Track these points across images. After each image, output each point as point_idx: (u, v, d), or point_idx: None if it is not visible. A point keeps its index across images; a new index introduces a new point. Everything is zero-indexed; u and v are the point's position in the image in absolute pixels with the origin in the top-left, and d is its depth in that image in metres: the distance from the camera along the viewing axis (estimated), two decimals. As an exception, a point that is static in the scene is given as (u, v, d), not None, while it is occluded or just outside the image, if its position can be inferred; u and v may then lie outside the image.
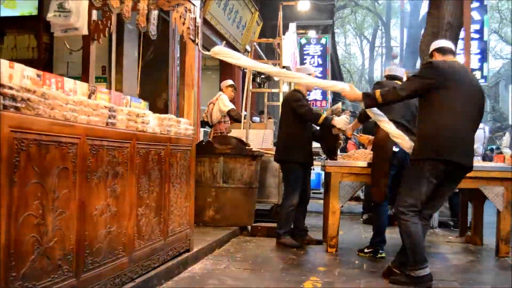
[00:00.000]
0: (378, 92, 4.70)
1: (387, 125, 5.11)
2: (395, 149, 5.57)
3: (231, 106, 8.57)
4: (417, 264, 4.44)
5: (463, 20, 7.77)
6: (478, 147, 8.61)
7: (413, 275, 4.44)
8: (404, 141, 5.01)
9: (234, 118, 8.62)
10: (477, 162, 7.15)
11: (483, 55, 16.72)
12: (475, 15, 16.23)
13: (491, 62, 33.74)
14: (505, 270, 5.40)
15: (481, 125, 8.79)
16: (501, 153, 8.66)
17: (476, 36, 16.37)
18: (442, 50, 4.72)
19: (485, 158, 10.54)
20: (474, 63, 16.16)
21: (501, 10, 33.98)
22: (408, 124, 5.62)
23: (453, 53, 4.78)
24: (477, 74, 16.37)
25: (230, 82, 9.06)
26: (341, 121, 5.94)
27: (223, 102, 8.54)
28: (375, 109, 5.04)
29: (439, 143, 4.38)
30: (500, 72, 37.77)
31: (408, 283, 4.46)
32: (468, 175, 5.88)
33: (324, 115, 6.14)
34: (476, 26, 16.22)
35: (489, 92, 37.51)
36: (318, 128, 6.49)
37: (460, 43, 9.11)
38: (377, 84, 6.08)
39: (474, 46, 16.23)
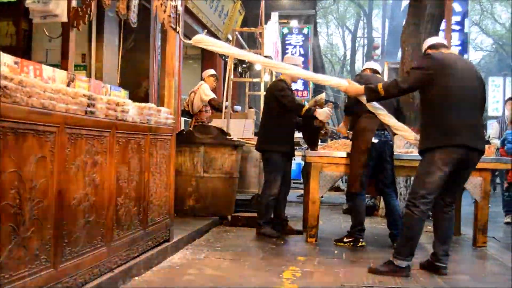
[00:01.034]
0: (380, 86, 4.77)
1: (388, 119, 5.18)
2: (374, 140, 5.62)
3: (212, 95, 8.55)
4: (403, 255, 4.51)
5: (445, 12, 7.81)
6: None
7: (394, 262, 4.52)
8: (407, 133, 5.07)
9: (215, 107, 8.60)
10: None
11: (464, 47, 16.84)
12: (457, 7, 16.34)
13: (472, 54, 34.06)
14: (483, 260, 5.47)
15: None
16: (488, 143, 8.70)
17: (457, 27, 16.48)
18: (434, 47, 4.77)
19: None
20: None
21: (482, 2, 34.22)
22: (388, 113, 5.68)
23: (446, 46, 4.83)
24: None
25: (211, 71, 9.02)
26: (323, 113, 5.94)
27: (204, 91, 8.51)
28: (375, 103, 5.07)
29: (446, 130, 4.41)
30: (480, 64, 38.11)
31: (387, 271, 4.52)
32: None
33: (306, 106, 6.13)
34: (457, 18, 16.34)
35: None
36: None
37: (441, 35, 9.15)
38: (357, 76, 6.14)
39: (455, 37, 16.34)
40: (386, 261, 4.62)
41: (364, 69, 6.31)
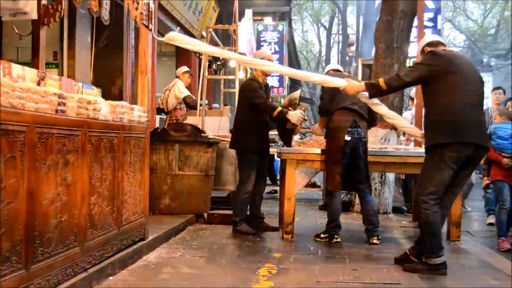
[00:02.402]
0: (381, 80, 4.78)
1: (380, 107, 5.26)
2: (347, 138, 5.67)
3: (186, 92, 8.51)
4: (434, 252, 4.51)
5: (417, 8, 7.86)
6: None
7: (429, 263, 4.52)
8: (399, 121, 5.12)
9: (189, 105, 8.57)
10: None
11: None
12: (429, 4, 16.44)
13: (445, 50, 34.34)
14: (456, 254, 5.53)
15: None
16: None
17: (430, 24, 16.59)
18: (432, 44, 4.77)
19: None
20: (428, 51, 16.39)
21: (455, -1, 34.64)
22: (362, 110, 5.75)
23: (444, 44, 4.82)
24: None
25: (185, 68, 9.00)
26: (295, 116, 5.94)
27: (179, 89, 8.48)
28: (366, 94, 5.06)
29: (455, 127, 4.42)
30: (453, 60, 38.49)
31: (424, 270, 4.52)
32: (420, 161, 6.00)
33: (279, 108, 6.07)
34: (430, 15, 16.43)
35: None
36: None
37: (414, 31, 9.21)
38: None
39: (428, 34, 16.45)
40: (421, 261, 4.61)
41: (327, 71, 6.35)
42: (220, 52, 5.68)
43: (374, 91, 4.91)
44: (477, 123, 4.53)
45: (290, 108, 6.15)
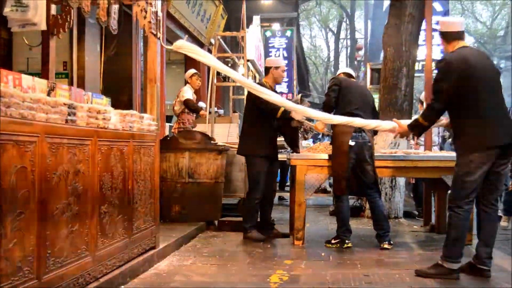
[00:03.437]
0: (420, 119, 4.76)
1: (364, 123, 5.42)
2: (351, 143, 5.69)
3: (188, 96, 8.51)
4: (453, 257, 4.47)
5: (425, 12, 7.85)
6: (434, 138, 8.75)
7: (445, 266, 4.48)
8: (385, 125, 5.30)
9: (190, 108, 8.52)
10: (437, 152, 7.27)
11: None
12: (437, 7, 16.42)
13: (454, 53, 34.22)
14: (468, 258, 5.48)
15: None
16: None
17: (439, 27, 16.56)
18: (450, 37, 4.67)
19: (442, 148, 10.74)
20: (437, 53, 16.35)
21: (463, 1, 34.50)
22: (366, 116, 5.78)
23: (462, 37, 4.69)
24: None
25: (193, 71, 8.99)
26: (300, 113, 5.96)
27: (183, 93, 8.52)
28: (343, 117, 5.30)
29: (483, 130, 4.38)
30: (462, 63, 38.35)
31: (436, 274, 4.49)
32: (430, 165, 6.00)
33: (282, 108, 6.11)
34: (438, 17, 16.38)
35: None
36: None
37: (422, 34, 9.19)
38: (334, 79, 6.19)
39: (437, 37, 16.38)
40: (434, 264, 4.57)
41: (339, 74, 6.38)
42: (224, 69, 5.60)
43: (419, 130, 4.93)
44: (501, 121, 4.47)
45: None
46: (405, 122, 5.10)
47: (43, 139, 3.02)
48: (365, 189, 5.93)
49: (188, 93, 8.56)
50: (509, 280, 4.49)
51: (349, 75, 6.28)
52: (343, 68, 6.68)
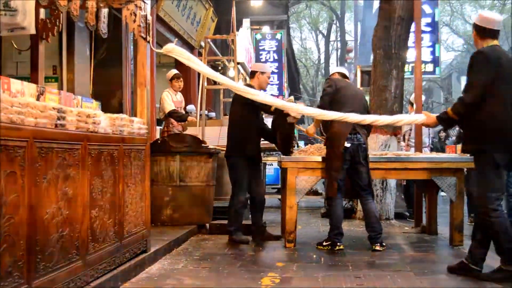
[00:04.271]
0: (450, 112, 4.62)
1: (359, 119, 5.32)
2: (346, 144, 5.71)
3: (171, 107, 8.20)
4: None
5: (414, 14, 7.88)
6: (424, 139, 8.80)
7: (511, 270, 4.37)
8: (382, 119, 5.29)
9: (177, 119, 8.34)
10: (428, 153, 7.30)
11: (435, 48, 17.02)
12: (427, 9, 16.51)
13: (444, 55, 34.45)
14: (459, 259, 5.49)
15: None
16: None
17: (428, 29, 16.65)
18: (486, 33, 4.57)
19: (433, 149, 10.85)
20: (427, 55, 16.45)
21: (452, 3, 34.67)
22: None
23: (496, 36, 4.60)
24: (430, 66, 16.71)
25: (172, 72, 8.60)
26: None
27: (164, 103, 8.23)
28: (337, 113, 5.22)
29: (504, 130, 4.36)
30: (452, 64, 38.65)
31: (503, 278, 4.39)
32: (422, 166, 6.03)
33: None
34: (427, 20, 16.50)
35: (442, 84, 38.35)
36: (271, 125, 6.47)
37: (412, 36, 9.23)
38: (328, 79, 6.19)
39: (427, 39, 16.52)
40: (497, 269, 4.47)
41: (333, 73, 6.38)
42: (213, 74, 5.57)
43: (448, 122, 4.83)
44: None
45: None
46: (433, 116, 5.00)
47: (32, 143, 3.01)
48: (359, 191, 5.94)
49: (168, 103, 8.21)
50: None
51: (343, 75, 6.27)
52: (337, 67, 6.66)
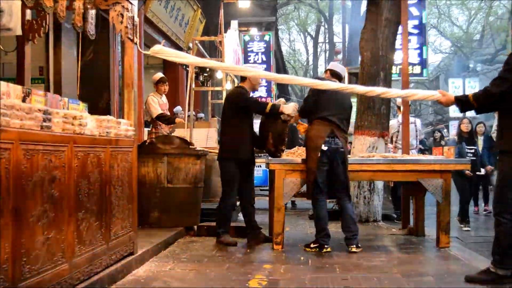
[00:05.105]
0: (471, 97, 4.60)
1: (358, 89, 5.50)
2: (323, 147, 5.73)
3: (157, 112, 8.14)
4: (508, 264, 4.40)
5: (401, 16, 7.92)
6: (411, 141, 8.87)
7: (500, 274, 4.40)
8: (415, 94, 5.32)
9: (165, 123, 8.30)
10: (415, 155, 7.34)
11: (423, 50, 17.13)
12: (414, 11, 16.63)
13: (431, 56, 34.69)
14: (446, 260, 5.54)
15: (411, 119, 9.09)
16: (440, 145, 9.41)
17: (415, 31, 16.75)
18: None
19: (427, 150, 10.95)
20: (414, 57, 16.55)
21: (439, 5, 34.84)
22: (341, 122, 5.81)
23: None
24: (417, 68, 16.81)
25: (158, 76, 8.48)
26: (290, 107, 5.96)
27: (150, 108, 8.17)
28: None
29: None
30: (440, 66, 38.89)
31: (489, 280, 4.41)
32: (408, 168, 6.05)
33: (270, 103, 6.15)
34: (415, 22, 16.61)
35: (429, 86, 38.56)
36: (258, 131, 6.46)
37: (399, 39, 9.28)
38: (318, 78, 6.16)
39: (414, 41, 16.62)
40: (484, 270, 4.51)
41: (326, 71, 6.27)
42: (205, 61, 5.66)
43: (463, 106, 4.73)
44: None
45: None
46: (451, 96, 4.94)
47: (18, 145, 2.99)
48: (336, 191, 5.94)
49: (155, 107, 8.14)
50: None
51: (335, 74, 6.14)
52: (333, 63, 6.48)
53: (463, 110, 4.83)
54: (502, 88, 4.39)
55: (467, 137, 9.38)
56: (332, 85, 5.56)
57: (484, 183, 11.44)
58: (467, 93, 4.63)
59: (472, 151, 9.34)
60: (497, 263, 4.44)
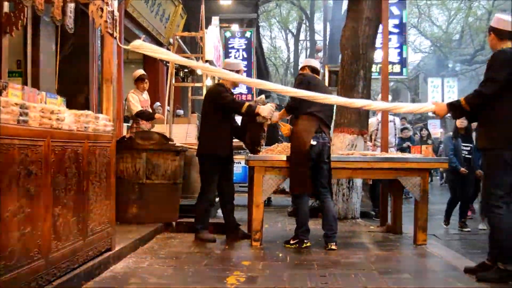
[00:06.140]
0: (463, 101, 4.64)
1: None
2: (313, 142, 5.74)
3: (138, 108, 7.99)
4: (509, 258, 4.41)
5: (382, 15, 7.95)
6: (390, 139, 8.88)
7: (508, 268, 4.39)
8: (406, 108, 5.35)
9: (145, 119, 8.21)
10: (394, 153, 7.38)
11: (403, 49, 17.23)
12: (394, 10, 16.72)
13: (411, 56, 34.92)
14: (423, 257, 5.60)
15: (390, 118, 9.10)
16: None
17: (396, 30, 16.85)
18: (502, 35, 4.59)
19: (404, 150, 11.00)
20: (394, 56, 16.65)
21: (420, 5, 35.08)
22: (326, 118, 5.85)
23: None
24: (397, 67, 16.92)
25: (138, 73, 8.33)
26: (266, 109, 5.93)
27: (130, 105, 8.04)
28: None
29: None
30: (419, 65, 39.19)
31: (498, 278, 4.42)
32: (387, 166, 6.09)
33: (247, 104, 6.11)
34: (395, 21, 16.71)
35: (409, 85, 38.84)
36: (240, 122, 6.46)
37: (379, 37, 9.33)
38: (300, 75, 6.12)
39: (394, 40, 16.72)
40: (498, 267, 4.47)
41: (304, 66, 6.30)
42: (185, 60, 5.64)
43: (457, 112, 4.81)
44: None
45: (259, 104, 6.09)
46: (444, 104, 4.98)
47: (-7, 139, 2.95)
48: (319, 188, 5.95)
49: (134, 105, 8.00)
50: (462, 279, 4.59)
51: (314, 70, 6.19)
52: (308, 59, 6.52)
53: (458, 116, 4.89)
54: (494, 88, 4.46)
55: (463, 134, 8.94)
56: (311, 94, 5.53)
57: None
58: (445, 92, 4.68)
59: (468, 148, 8.96)
60: (492, 257, 4.50)
